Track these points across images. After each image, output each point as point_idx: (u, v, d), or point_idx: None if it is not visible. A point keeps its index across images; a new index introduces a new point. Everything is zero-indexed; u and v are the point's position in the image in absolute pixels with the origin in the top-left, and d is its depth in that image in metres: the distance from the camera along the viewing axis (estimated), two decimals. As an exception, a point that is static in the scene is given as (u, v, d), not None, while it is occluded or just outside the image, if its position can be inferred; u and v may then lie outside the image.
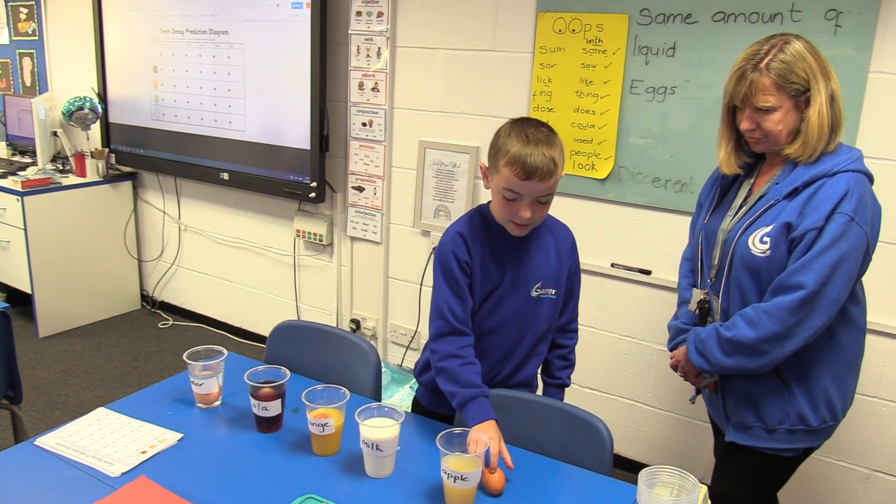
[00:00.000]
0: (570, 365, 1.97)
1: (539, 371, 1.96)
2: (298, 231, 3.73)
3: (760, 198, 1.74)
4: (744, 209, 1.77)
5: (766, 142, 1.71)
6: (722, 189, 1.89)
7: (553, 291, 1.81)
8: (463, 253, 1.72)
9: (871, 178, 1.66)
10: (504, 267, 1.75)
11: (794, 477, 1.88)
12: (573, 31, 2.75)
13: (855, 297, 1.72)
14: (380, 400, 1.90)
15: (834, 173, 1.62)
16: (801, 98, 1.64)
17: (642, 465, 1.36)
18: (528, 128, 1.63)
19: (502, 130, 1.67)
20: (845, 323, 1.72)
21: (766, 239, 1.66)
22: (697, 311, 1.91)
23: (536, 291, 1.78)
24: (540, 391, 1.98)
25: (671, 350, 1.99)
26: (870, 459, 2.53)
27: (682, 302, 2.00)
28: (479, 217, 1.77)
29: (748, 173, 1.84)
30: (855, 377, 1.81)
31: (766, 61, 1.62)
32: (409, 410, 1.93)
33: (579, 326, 1.98)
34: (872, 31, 2.23)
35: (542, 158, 1.58)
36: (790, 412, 1.74)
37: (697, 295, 1.91)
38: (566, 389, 1.97)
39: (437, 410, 1.87)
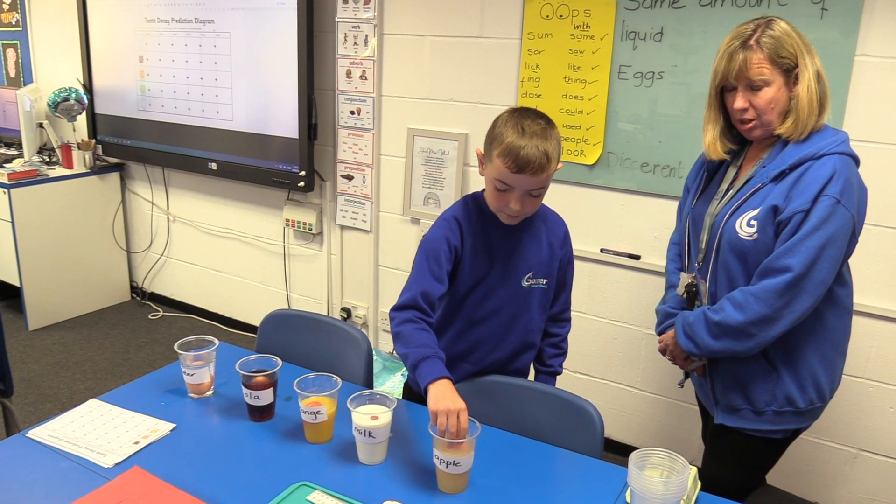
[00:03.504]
0: (562, 353, 1.98)
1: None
2: (288, 220, 3.72)
3: (747, 181, 1.75)
4: (730, 193, 1.78)
5: (760, 125, 1.71)
6: (708, 173, 1.89)
7: (544, 281, 1.82)
8: (455, 238, 1.71)
9: (857, 161, 1.68)
10: (494, 256, 1.75)
11: (783, 457, 1.90)
12: (560, 16, 2.74)
13: (841, 279, 1.73)
14: (371, 387, 1.91)
15: (820, 156, 1.62)
16: (790, 75, 1.66)
17: (633, 448, 1.37)
18: (525, 119, 1.60)
19: (500, 119, 1.65)
20: (832, 304, 1.73)
21: (753, 222, 1.67)
22: (685, 295, 1.92)
23: (528, 281, 1.79)
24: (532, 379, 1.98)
25: (659, 334, 2.00)
26: (857, 439, 2.56)
27: (670, 286, 2.02)
28: (474, 204, 1.76)
29: (734, 158, 1.84)
30: (842, 358, 1.83)
31: (755, 37, 1.64)
32: (402, 396, 1.94)
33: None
34: (858, 14, 2.23)
35: (535, 152, 1.56)
36: (778, 394, 1.75)
37: (685, 279, 1.92)
38: (557, 377, 1.98)
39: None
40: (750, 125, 1.72)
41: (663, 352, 1.97)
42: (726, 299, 1.71)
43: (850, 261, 2.39)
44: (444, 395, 1.45)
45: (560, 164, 1.67)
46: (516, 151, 1.56)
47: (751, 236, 1.68)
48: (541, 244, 1.80)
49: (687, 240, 1.93)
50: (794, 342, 1.72)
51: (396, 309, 1.67)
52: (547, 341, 1.95)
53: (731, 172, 1.83)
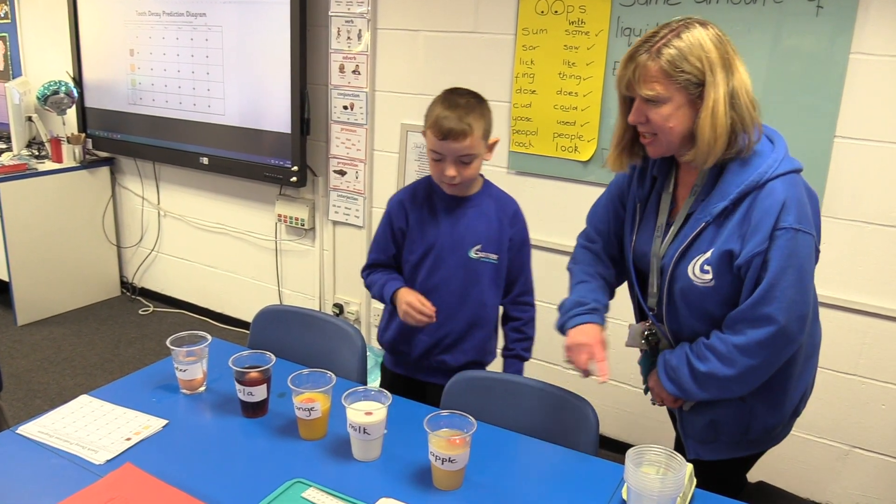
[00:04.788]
0: (526, 338, 2.04)
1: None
2: (280, 216, 3.70)
3: (688, 216, 1.58)
4: (673, 229, 1.61)
5: (658, 143, 1.53)
6: (640, 203, 1.70)
7: (495, 256, 1.95)
8: (400, 220, 1.97)
9: (800, 170, 1.52)
10: (441, 226, 1.94)
11: (773, 454, 1.88)
12: (555, 12, 2.73)
13: None
14: (365, 383, 1.90)
15: (763, 183, 1.46)
16: (695, 92, 1.45)
17: (627, 445, 1.37)
18: (454, 96, 1.84)
19: (434, 99, 1.86)
20: None
21: (706, 267, 1.52)
22: (645, 346, 1.76)
23: (476, 253, 1.94)
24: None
25: (560, 328, 1.75)
26: (849, 436, 2.57)
27: (578, 282, 1.82)
28: (425, 182, 1.99)
29: (664, 182, 1.66)
30: (813, 366, 1.73)
31: (658, 45, 1.44)
32: (380, 383, 2.08)
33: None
34: (853, 12, 2.24)
35: (457, 122, 1.78)
36: (753, 425, 1.65)
37: (639, 328, 1.76)
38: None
39: (396, 370, 2.08)
40: (648, 141, 1.55)
41: (569, 351, 1.69)
42: (708, 349, 1.55)
43: (842, 259, 2.39)
44: (400, 301, 1.89)
45: (496, 139, 1.89)
46: (441, 122, 1.79)
47: (707, 283, 1.53)
48: (490, 219, 1.95)
49: (634, 284, 1.75)
50: None
51: (363, 269, 2.06)
52: (509, 325, 2.05)
53: (666, 202, 1.65)
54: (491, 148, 1.89)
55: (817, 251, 1.52)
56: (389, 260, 2.02)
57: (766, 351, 1.50)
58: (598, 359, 1.62)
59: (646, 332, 1.75)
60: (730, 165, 1.50)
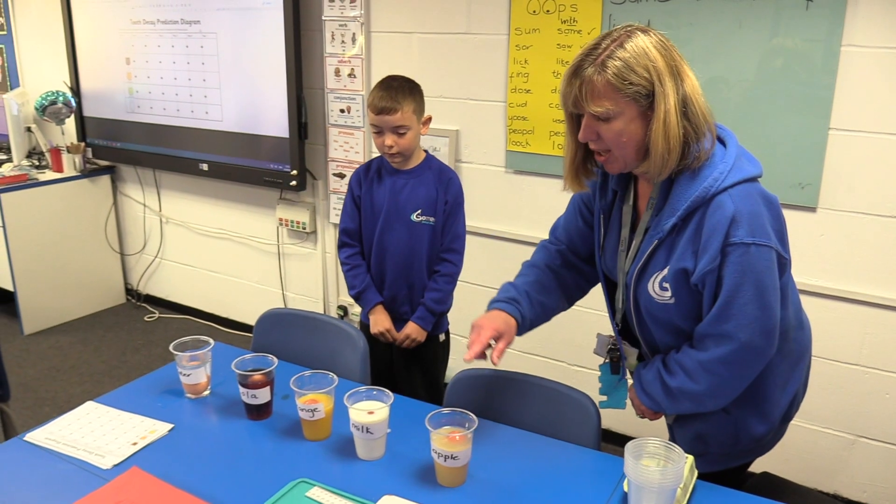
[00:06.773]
0: (436, 290, 2.31)
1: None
2: (281, 219, 3.72)
3: (646, 231, 1.54)
4: (634, 244, 1.58)
5: (615, 160, 1.46)
6: (604, 215, 1.66)
7: (432, 219, 2.28)
8: (356, 188, 2.36)
9: (755, 178, 1.44)
10: (387, 193, 2.29)
11: (778, 445, 1.90)
12: (547, 11, 2.75)
13: (783, 301, 1.51)
14: (367, 384, 1.91)
15: (711, 198, 1.40)
16: (645, 103, 1.38)
17: (629, 439, 1.38)
18: (389, 80, 2.20)
19: (374, 85, 2.20)
20: (780, 333, 1.52)
21: (665, 285, 1.49)
22: (608, 360, 1.77)
23: (417, 217, 2.28)
24: None
25: (488, 308, 1.72)
26: (854, 426, 2.58)
27: (518, 275, 1.81)
28: (378, 160, 2.36)
29: (625, 193, 1.61)
30: (802, 371, 1.67)
31: (601, 58, 1.36)
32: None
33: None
34: (844, 4, 2.25)
35: (388, 99, 2.13)
36: (741, 436, 1.61)
37: (606, 340, 1.77)
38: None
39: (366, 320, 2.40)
40: (603, 158, 1.48)
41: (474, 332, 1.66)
42: (677, 364, 1.54)
43: (840, 250, 2.39)
44: (375, 322, 2.33)
45: (428, 115, 2.26)
46: (375, 101, 2.15)
47: (668, 300, 1.50)
48: (428, 188, 2.28)
49: (605, 297, 1.74)
50: (751, 384, 1.54)
51: (338, 248, 2.42)
52: (432, 277, 2.33)
53: (628, 215, 1.60)
54: (425, 123, 2.27)
55: (783, 259, 1.45)
56: (357, 227, 2.36)
57: (731, 367, 1.47)
58: (476, 339, 1.58)
59: (609, 346, 1.75)
60: (679, 178, 1.44)
